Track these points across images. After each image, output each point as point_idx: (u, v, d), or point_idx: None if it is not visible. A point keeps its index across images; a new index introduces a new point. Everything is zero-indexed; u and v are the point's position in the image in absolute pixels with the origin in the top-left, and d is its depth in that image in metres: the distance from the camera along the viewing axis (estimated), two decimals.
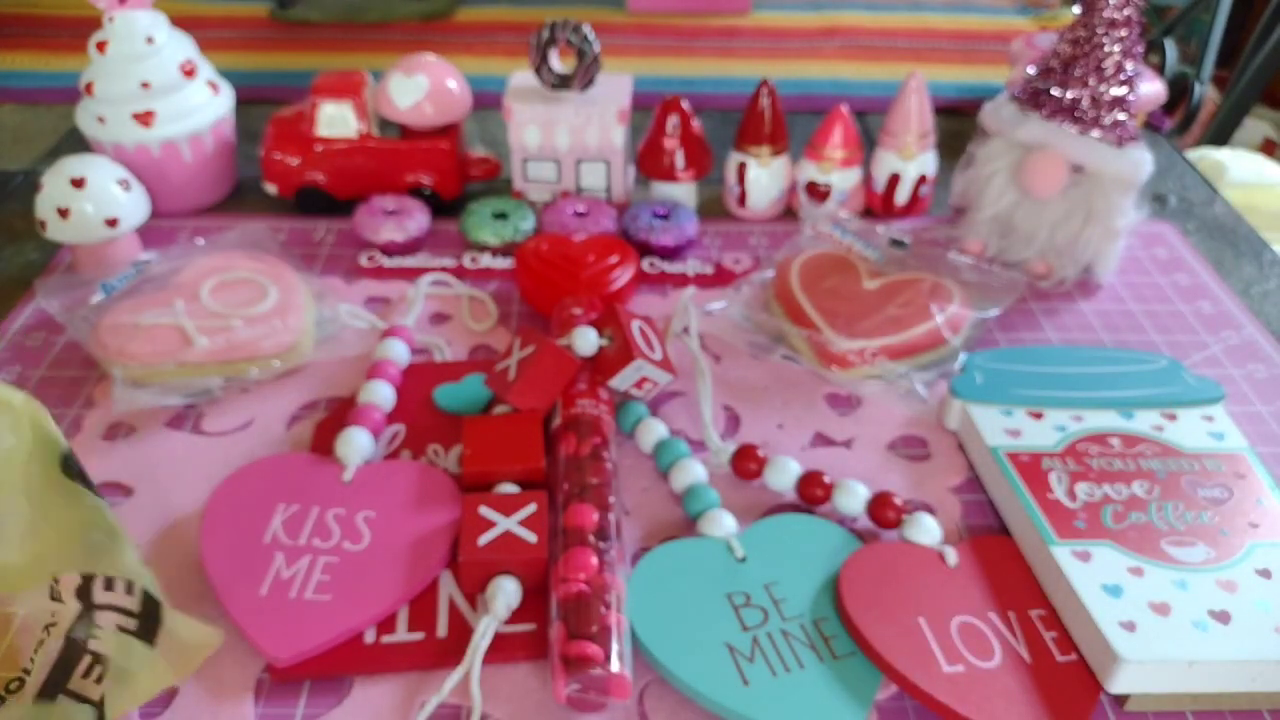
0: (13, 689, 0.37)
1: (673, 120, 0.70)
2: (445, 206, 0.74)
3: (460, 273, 0.67)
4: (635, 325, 0.54)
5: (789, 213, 0.75)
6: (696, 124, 0.71)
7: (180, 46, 0.70)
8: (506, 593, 0.44)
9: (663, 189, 0.73)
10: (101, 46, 0.67)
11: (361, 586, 0.45)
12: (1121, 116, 0.62)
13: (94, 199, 0.63)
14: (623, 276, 0.63)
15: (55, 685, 0.37)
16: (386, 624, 0.44)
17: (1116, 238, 0.65)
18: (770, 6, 1.13)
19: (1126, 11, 0.59)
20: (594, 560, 0.44)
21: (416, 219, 0.69)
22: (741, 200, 0.73)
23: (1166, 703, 0.42)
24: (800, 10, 1.13)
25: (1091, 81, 0.61)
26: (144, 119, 0.68)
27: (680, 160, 0.71)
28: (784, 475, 0.50)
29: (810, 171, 0.72)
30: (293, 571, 0.45)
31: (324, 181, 0.72)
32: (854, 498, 0.49)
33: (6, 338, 0.61)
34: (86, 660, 0.38)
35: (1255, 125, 1.52)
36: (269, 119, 0.73)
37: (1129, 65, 0.61)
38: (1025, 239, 0.66)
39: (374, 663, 0.43)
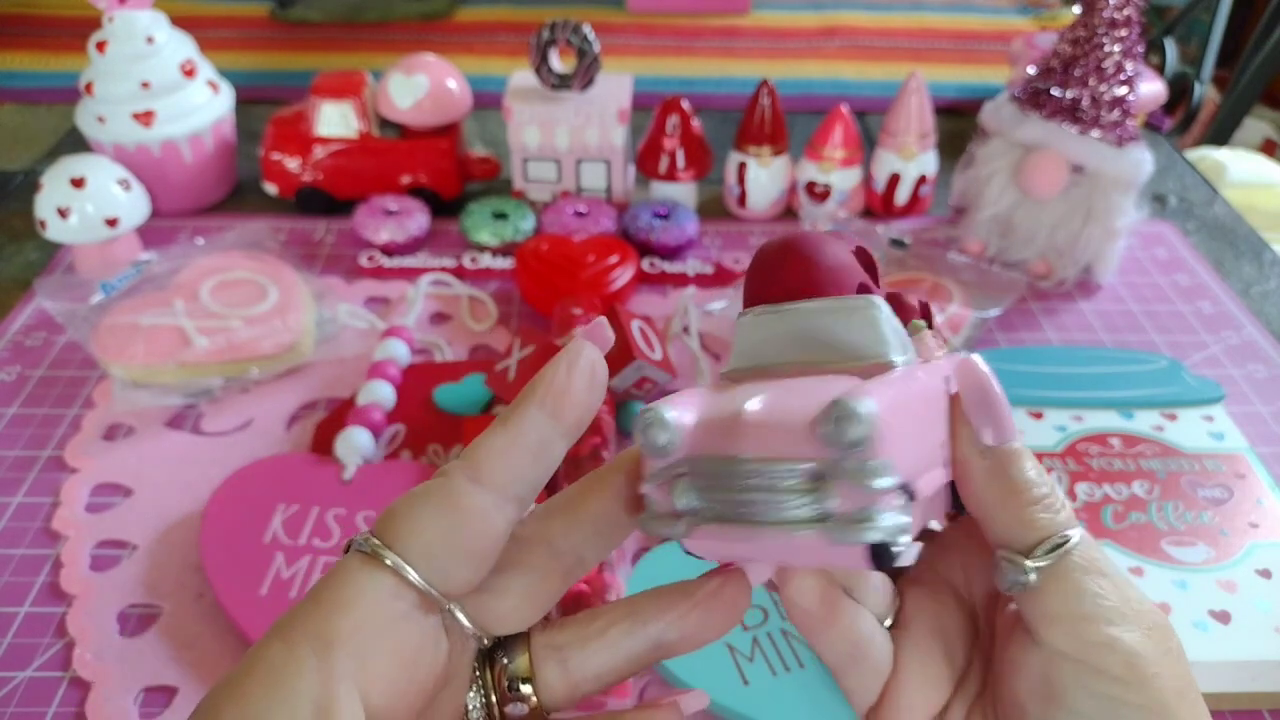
0: None
1: (673, 120, 0.70)
2: (445, 206, 0.74)
3: (460, 273, 0.67)
4: (635, 325, 0.54)
5: (789, 213, 0.75)
6: (696, 124, 0.71)
7: (180, 46, 0.70)
8: None
9: (663, 189, 0.73)
10: (101, 46, 0.67)
11: None
12: (1121, 116, 0.62)
13: (94, 199, 0.63)
14: (623, 276, 0.63)
15: None
16: None
17: (1116, 238, 0.65)
18: (770, 6, 1.13)
19: (1126, 11, 0.59)
20: None
21: (416, 219, 0.69)
22: (741, 200, 0.73)
23: None
24: (800, 10, 1.13)
25: (1091, 81, 0.61)
26: (144, 119, 0.68)
27: (680, 160, 0.71)
28: None
29: (810, 171, 0.72)
30: (293, 571, 0.45)
31: (324, 181, 0.72)
32: None
33: (6, 338, 0.61)
34: None
35: (1255, 125, 1.52)
36: (269, 119, 0.73)
37: (1129, 65, 0.61)
38: (1025, 239, 0.66)
39: None
